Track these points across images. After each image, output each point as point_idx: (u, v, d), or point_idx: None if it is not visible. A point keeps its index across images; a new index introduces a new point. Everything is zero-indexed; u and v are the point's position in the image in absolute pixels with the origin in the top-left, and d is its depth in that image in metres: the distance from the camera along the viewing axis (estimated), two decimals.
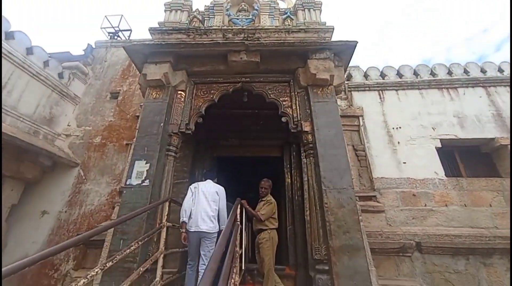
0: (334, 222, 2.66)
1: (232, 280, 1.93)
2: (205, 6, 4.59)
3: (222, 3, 4.49)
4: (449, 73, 6.17)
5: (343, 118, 4.77)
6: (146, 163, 3.03)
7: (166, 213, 2.76)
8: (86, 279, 1.56)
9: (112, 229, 2.74)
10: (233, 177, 6.71)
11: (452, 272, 4.21)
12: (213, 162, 5.62)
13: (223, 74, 3.88)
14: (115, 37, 8.30)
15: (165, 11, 4.30)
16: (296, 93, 3.67)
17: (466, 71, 6.14)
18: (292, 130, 3.48)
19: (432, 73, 6.21)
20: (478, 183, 4.98)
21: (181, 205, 3.65)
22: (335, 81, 3.51)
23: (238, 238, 2.63)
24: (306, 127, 3.32)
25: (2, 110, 4.56)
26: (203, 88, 3.87)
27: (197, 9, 4.60)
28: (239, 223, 2.72)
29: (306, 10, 4.19)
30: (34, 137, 5.00)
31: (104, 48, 7.22)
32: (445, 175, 5.06)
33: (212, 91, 3.82)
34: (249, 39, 3.63)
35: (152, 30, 3.78)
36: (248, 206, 3.40)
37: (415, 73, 6.29)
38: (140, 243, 2.23)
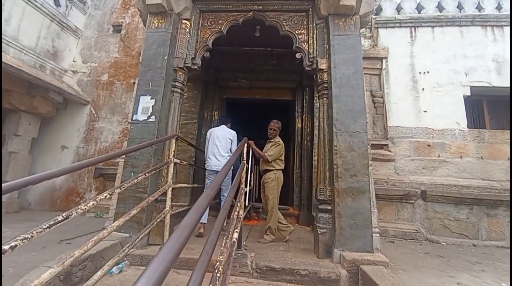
0: (342, 165, 2.60)
1: (236, 213, 1.99)
2: None
3: None
4: (498, 7, 5.18)
5: (364, 60, 4.28)
6: (151, 98, 2.91)
7: (173, 149, 2.77)
8: (95, 202, 1.62)
9: (123, 162, 2.83)
10: (242, 120, 6.64)
11: (452, 220, 4.32)
12: (222, 104, 5.48)
13: (233, 1, 3.38)
14: None
15: None
16: (314, 24, 3.21)
17: None
18: (306, 68, 3.16)
19: (479, 7, 5.24)
20: (501, 135, 4.67)
21: (188, 143, 3.74)
22: (362, 9, 2.98)
23: (244, 176, 2.66)
24: (322, 65, 2.99)
25: (5, 40, 4.37)
26: (210, 17, 3.43)
27: None
28: (245, 161, 2.72)
29: None
30: (41, 72, 4.91)
31: None
32: (467, 126, 4.73)
33: (220, 21, 3.40)
34: None
35: None
36: (255, 147, 3.38)
37: (459, 7, 5.33)
38: (147, 174, 2.28)
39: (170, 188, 2.70)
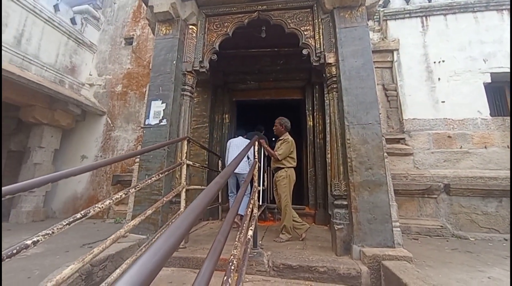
0: (356, 158, 2.53)
1: (249, 209, 1.97)
2: None
3: None
4: None
5: (374, 54, 4.19)
6: (162, 103, 2.99)
7: (185, 151, 2.81)
8: (112, 200, 1.68)
9: (137, 165, 2.90)
10: (253, 122, 6.65)
11: (480, 214, 4.07)
12: (232, 107, 5.52)
13: (237, 3, 3.43)
14: None
15: None
16: (319, 19, 3.18)
17: None
18: (313, 64, 3.12)
19: None
20: None
21: (200, 146, 3.81)
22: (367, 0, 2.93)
23: (256, 174, 2.65)
24: (330, 59, 2.95)
25: (27, 59, 4.66)
26: (216, 21, 3.50)
27: None
28: (256, 160, 2.71)
29: None
30: (60, 86, 5.18)
31: None
32: (490, 114, 4.48)
33: (226, 24, 3.45)
34: None
35: None
36: (266, 145, 3.36)
37: None
38: (160, 175, 2.33)
39: (184, 189, 2.73)
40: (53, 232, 1.28)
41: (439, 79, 4.76)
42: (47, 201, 5.29)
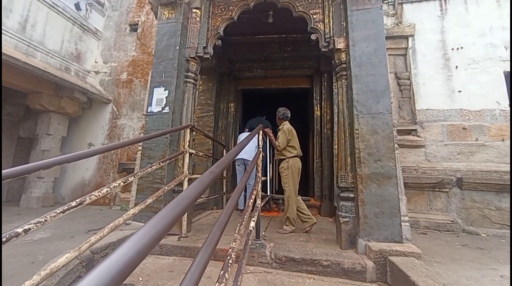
0: (365, 149, 2.41)
1: (251, 200, 1.91)
2: None
3: None
4: None
5: (387, 40, 3.95)
6: (164, 90, 2.91)
7: (187, 140, 2.75)
8: (109, 189, 1.64)
9: (140, 154, 2.86)
10: (259, 111, 6.54)
11: (493, 209, 3.91)
12: (238, 95, 5.40)
13: None
14: None
15: None
16: (329, 1, 2.99)
17: None
18: (322, 49, 2.96)
19: None
20: None
21: (204, 134, 3.74)
22: None
23: (260, 163, 2.57)
24: (340, 44, 2.78)
25: (32, 45, 4.64)
26: (221, 4, 3.34)
27: None
28: (260, 149, 2.63)
29: None
30: (66, 74, 5.16)
31: None
32: (510, 105, 4.22)
33: (231, 8, 3.29)
34: None
35: None
36: (271, 135, 3.28)
37: None
38: (162, 164, 2.28)
39: (186, 179, 2.69)
40: (46, 220, 1.24)
41: (456, 67, 4.50)
42: (57, 187, 5.39)
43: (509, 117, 4.17)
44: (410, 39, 4.68)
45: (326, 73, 4.77)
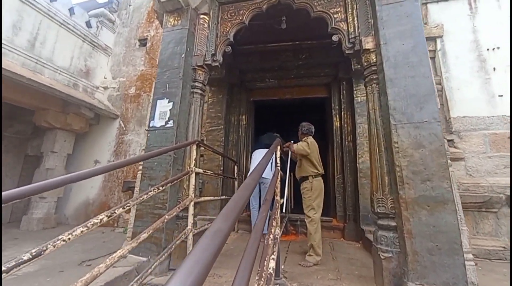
0: (408, 166, 1.95)
1: (271, 235, 1.50)
2: None
3: None
4: None
5: None
6: (168, 101, 2.60)
7: (194, 158, 2.39)
8: (107, 217, 1.35)
9: (140, 174, 2.52)
10: (273, 124, 6.16)
11: None
12: (250, 107, 5.08)
13: None
14: None
15: None
16: None
17: None
18: (346, 52, 2.59)
19: None
20: None
21: (213, 150, 3.41)
22: None
23: (279, 185, 2.16)
24: (368, 44, 2.40)
25: (40, 62, 4.56)
26: (230, 9, 3.08)
27: None
28: (279, 167, 2.22)
29: None
30: (73, 90, 5.04)
31: None
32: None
33: (242, 12, 3.02)
34: None
35: None
36: (288, 145, 2.94)
37: None
38: (163, 187, 1.92)
39: (192, 203, 2.30)
40: (39, 253, 0.94)
41: (494, 69, 3.99)
42: (60, 207, 5.15)
43: None
44: (438, 40, 4.25)
45: (345, 80, 4.39)
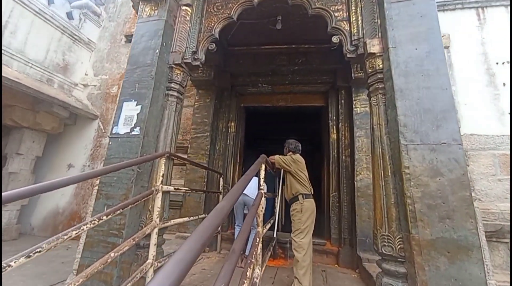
0: (422, 199, 1.57)
1: (249, 273, 1.10)
2: None
3: None
4: None
5: None
6: (136, 104, 2.19)
7: (162, 174, 1.97)
8: (51, 245, 0.93)
9: (95, 191, 2.08)
10: (264, 132, 5.78)
11: None
12: (240, 114, 4.68)
13: None
14: None
15: None
16: None
17: None
18: (348, 55, 2.22)
19: None
20: None
21: (190, 163, 3.02)
22: None
23: (261, 213, 1.75)
24: (373, 47, 2.04)
25: (8, 53, 4.09)
26: (217, 1, 2.70)
27: None
28: (263, 190, 1.82)
29: None
30: (46, 86, 4.58)
31: None
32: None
33: (230, 5, 2.64)
34: None
35: None
36: (273, 158, 2.62)
37: None
38: (121, 210, 1.50)
39: (156, 230, 1.87)
40: None
41: (504, 84, 3.70)
42: (25, 216, 4.62)
43: None
44: (444, 51, 3.94)
45: (343, 89, 4.04)
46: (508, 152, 3.42)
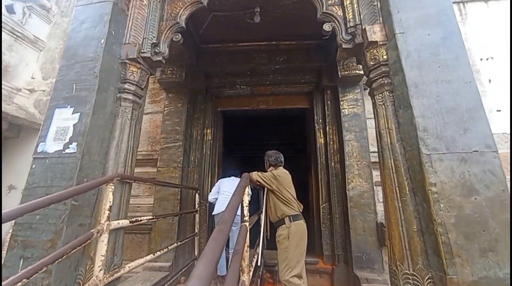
0: (457, 226, 1.20)
1: None
2: None
3: None
4: None
5: None
6: (73, 112, 1.62)
7: (108, 206, 1.43)
8: None
9: (8, 237, 1.48)
10: (245, 139, 5.32)
11: None
12: (217, 119, 4.18)
13: None
14: None
15: None
16: None
17: None
18: (343, 46, 1.84)
19: None
20: None
21: (154, 183, 2.49)
22: None
23: (247, 257, 1.29)
24: (374, 35, 1.68)
25: None
26: None
27: None
28: (246, 222, 1.35)
29: None
30: None
31: None
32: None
33: None
34: None
35: None
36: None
37: None
38: (45, 267, 0.95)
39: None
40: None
41: (490, 81, 3.58)
42: None
43: None
44: None
45: (330, 89, 3.70)
46: (499, 151, 3.27)
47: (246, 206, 1.39)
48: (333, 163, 3.47)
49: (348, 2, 1.87)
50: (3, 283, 1.00)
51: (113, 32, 1.82)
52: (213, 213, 3.29)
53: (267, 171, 2.47)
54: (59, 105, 1.66)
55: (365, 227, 3.06)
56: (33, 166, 1.55)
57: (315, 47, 3.73)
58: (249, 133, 5.94)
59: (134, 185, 3.86)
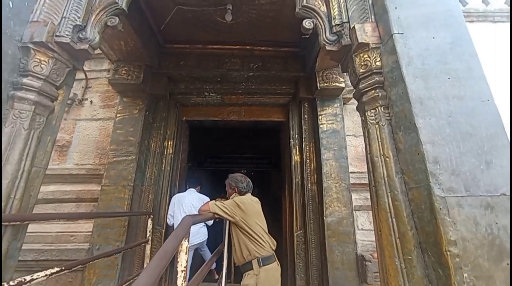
0: None
1: None
2: None
3: None
4: None
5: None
6: None
7: None
8: None
9: None
10: (213, 153, 4.80)
11: None
12: (181, 130, 3.64)
13: None
14: None
15: None
16: None
17: None
18: (327, 48, 1.47)
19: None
20: None
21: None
22: None
23: None
24: (365, 35, 1.33)
25: None
26: None
27: None
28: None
29: None
30: None
31: None
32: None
33: None
34: None
35: None
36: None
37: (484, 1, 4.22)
38: None
39: None
40: None
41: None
42: None
43: None
44: None
45: (307, 102, 3.37)
46: None
47: (182, 270, 0.89)
48: (309, 185, 3.08)
49: None
50: None
51: (10, 2, 1.27)
52: None
53: (229, 197, 1.99)
54: None
55: (343, 260, 2.67)
56: None
57: (292, 56, 3.41)
58: (221, 144, 5.45)
59: (70, 205, 3.16)
